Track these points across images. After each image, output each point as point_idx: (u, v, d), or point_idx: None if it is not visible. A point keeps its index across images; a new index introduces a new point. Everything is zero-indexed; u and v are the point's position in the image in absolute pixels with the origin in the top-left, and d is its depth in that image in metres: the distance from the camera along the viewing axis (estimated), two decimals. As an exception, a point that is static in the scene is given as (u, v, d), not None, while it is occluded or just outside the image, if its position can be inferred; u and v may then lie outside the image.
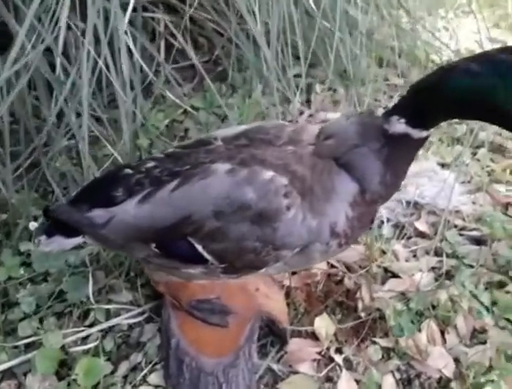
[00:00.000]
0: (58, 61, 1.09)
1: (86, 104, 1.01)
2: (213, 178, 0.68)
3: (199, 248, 0.68)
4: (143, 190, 0.72)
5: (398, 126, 0.63)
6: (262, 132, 0.74)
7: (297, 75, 1.77)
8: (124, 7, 1.23)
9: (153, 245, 0.71)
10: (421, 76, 0.62)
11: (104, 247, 0.89)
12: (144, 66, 1.45)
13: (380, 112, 0.68)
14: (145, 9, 1.65)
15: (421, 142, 0.65)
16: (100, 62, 1.02)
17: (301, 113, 1.66)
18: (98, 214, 0.74)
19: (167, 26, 1.75)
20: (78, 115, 1.24)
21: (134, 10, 1.60)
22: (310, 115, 1.63)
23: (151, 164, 0.76)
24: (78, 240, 0.79)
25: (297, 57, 1.60)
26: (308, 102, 1.70)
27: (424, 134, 0.64)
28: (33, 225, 0.90)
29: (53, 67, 1.17)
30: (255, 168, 0.67)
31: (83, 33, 1.04)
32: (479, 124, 1.48)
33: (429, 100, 0.60)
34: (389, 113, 0.64)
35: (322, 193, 0.67)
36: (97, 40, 1.21)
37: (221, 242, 0.67)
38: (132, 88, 1.50)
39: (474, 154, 1.41)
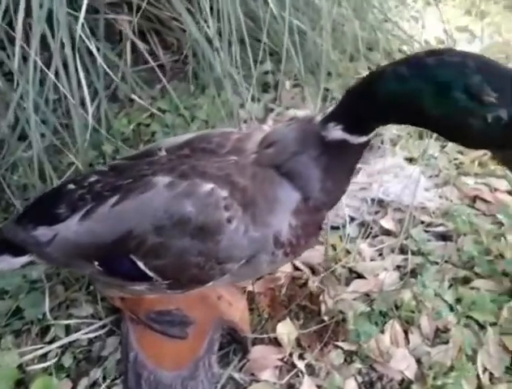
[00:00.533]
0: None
1: (32, 113, 0.99)
2: (152, 192, 0.66)
3: (141, 265, 0.67)
4: (85, 206, 0.70)
5: (335, 132, 0.61)
6: (205, 141, 0.73)
7: (269, 72, 1.75)
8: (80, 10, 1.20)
9: (96, 262, 0.70)
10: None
11: (51, 265, 0.88)
12: (107, 69, 1.42)
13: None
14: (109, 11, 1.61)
15: (362, 147, 0.64)
16: (50, 73, 1.00)
17: (271, 110, 1.65)
18: (42, 232, 0.72)
19: (133, 27, 1.72)
20: (43, 122, 1.23)
21: (97, 12, 1.58)
22: (279, 113, 1.61)
23: (93, 178, 0.75)
24: (25, 259, 0.77)
25: (270, 54, 1.57)
26: (277, 99, 1.68)
27: (362, 139, 0.62)
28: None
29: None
30: (195, 180, 0.66)
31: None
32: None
33: (363, 106, 0.58)
34: (326, 120, 0.63)
35: (264, 203, 0.66)
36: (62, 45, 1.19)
37: (163, 258, 0.66)
38: (96, 93, 1.49)
39: (443, 147, 1.40)
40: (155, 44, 1.83)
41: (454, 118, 0.52)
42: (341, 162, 0.65)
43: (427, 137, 1.43)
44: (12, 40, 1.13)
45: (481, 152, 1.39)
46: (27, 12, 1.14)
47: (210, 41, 1.27)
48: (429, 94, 0.52)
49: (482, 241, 1.08)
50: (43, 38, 1.14)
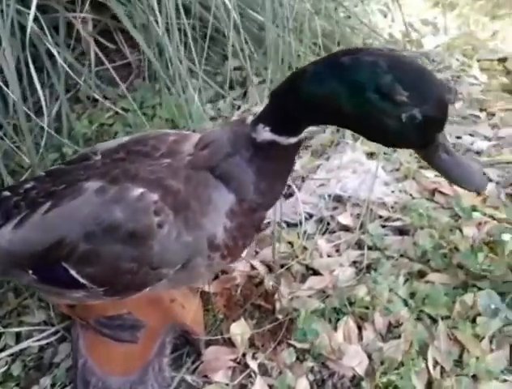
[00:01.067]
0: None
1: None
2: (82, 199, 0.65)
3: (74, 273, 0.66)
4: (20, 213, 0.70)
5: (265, 134, 0.61)
6: (141, 144, 0.72)
7: (237, 68, 1.74)
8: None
9: (30, 271, 0.69)
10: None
11: None
12: (68, 69, 1.40)
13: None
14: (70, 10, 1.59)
15: (293, 148, 0.63)
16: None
17: (238, 107, 1.64)
18: None
19: (96, 26, 1.69)
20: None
21: (57, 11, 1.55)
22: (246, 110, 1.60)
23: (29, 184, 0.74)
24: (-37, 268, 0.76)
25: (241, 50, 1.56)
26: (245, 96, 1.68)
27: (292, 140, 0.61)
28: None
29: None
30: (125, 185, 0.65)
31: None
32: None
33: (287, 107, 0.58)
34: (255, 122, 0.62)
35: (197, 206, 0.65)
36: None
37: (95, 265, 0.65)
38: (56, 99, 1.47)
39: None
40: (121, 43, 1.80)
41: (370, 119, 0.52)
42: (273, 163, 0.64)
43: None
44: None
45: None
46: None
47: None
48: (345, 94, 0.51)
49: (437, 235, 1.08)
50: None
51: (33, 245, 0.67)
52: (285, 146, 0.62)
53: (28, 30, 1.15)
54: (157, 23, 1.15)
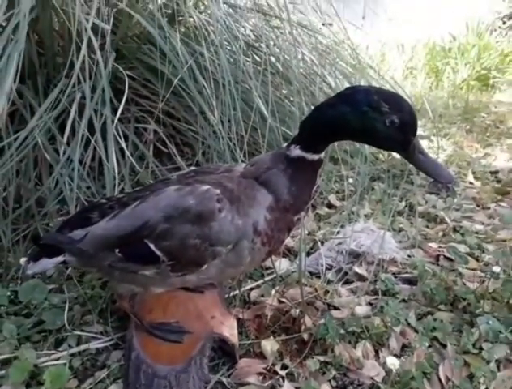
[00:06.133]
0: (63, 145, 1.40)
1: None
2: (164, 194, 0.90)
3: (152, 246, 0.87)
4: (113, 211, 0.94)
5: (296, 151, 0.88)
6: (205, 168, 1.00)
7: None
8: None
9: (117, 250, 0.90)
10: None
11: (79, 262, 1.05)
12: (133, 161, 1.75)
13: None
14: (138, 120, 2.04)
15: (316, 164, 0.89)
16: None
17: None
18: (77, 233, 0.94)
19: (156, 133, 2.13)
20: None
21: (129, 121, 2.00)
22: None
23: (121, 195, 1.00)
24: (59, 258, 0.97)
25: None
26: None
27: (316, 157, 0.88)
28: (23, 260, 1.08)
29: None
30: (196, 185, 0.90)
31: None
32: (415, 199, 1.75)
33: (310, 131, 0.86)
34: (289, 144, 0.90)
35: (246, 201, 0.89)
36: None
37: (169, 240, 0.87)
38: (122, 179, 1.81)
39: (411, 223, 1.64)
40: (173, 152, 2.22)
41: (367, 126, 0.79)
42: (302, 173, 0.90)
43: (397, 215, 1.69)
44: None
45: (444, 226, 1.63)
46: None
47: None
48: (349, 111, 0.80)
49: (442, 282, 1.25)
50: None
51: (123, 228, 0.89)
52: (310, 161, 0.88)
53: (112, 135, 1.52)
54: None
